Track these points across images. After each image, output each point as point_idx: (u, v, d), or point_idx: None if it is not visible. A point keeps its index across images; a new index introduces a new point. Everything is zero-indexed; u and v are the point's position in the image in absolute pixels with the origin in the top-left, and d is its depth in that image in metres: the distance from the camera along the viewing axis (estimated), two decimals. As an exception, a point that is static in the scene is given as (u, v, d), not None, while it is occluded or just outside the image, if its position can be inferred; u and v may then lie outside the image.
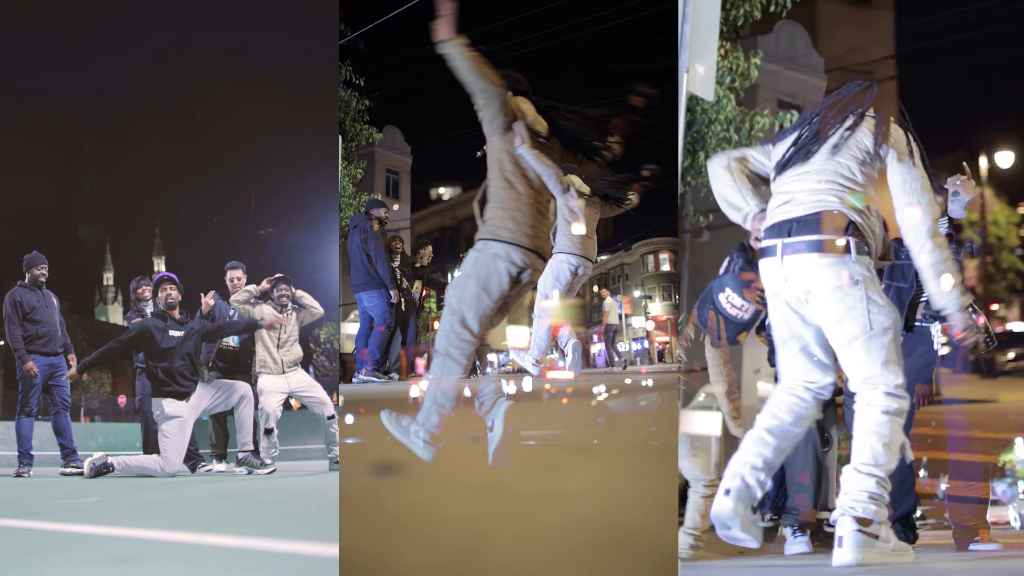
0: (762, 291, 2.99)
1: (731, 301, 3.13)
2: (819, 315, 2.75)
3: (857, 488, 2.62)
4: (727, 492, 2.74)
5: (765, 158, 3.02)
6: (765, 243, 2.84)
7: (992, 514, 3.86)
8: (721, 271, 3.16)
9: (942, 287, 2.76)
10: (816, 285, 2.71)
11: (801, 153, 2.88)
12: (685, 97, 4.12)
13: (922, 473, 3.90)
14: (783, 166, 2.92)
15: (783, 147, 2.98)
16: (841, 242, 2.70)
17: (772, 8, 9.09)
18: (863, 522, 2.58)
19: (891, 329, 2.72)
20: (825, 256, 2.70)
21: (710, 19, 4.26)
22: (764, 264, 2.87)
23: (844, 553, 2.57)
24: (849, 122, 2.85)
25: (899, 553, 2.65)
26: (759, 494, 2.79)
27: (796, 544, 3.78)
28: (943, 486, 3.93)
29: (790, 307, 2.82)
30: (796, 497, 3.79)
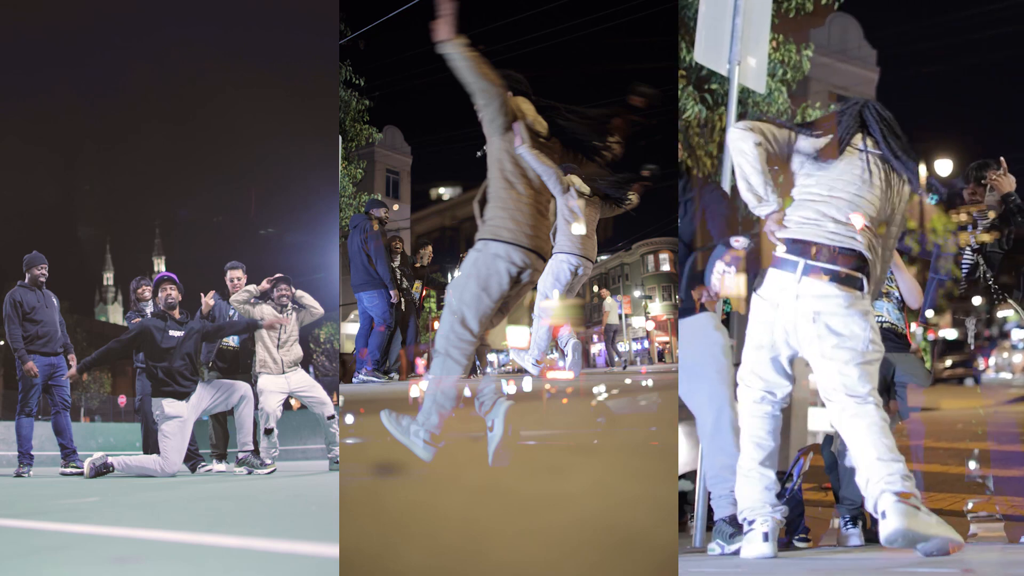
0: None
1: (726, 276, 3.20)
2: (819, 335, 2.90)
3: (887, 471, 2.73)
4: (765, 537, 2.95)
5: (786, 145, 3.10)
6: (784, 255, 2.97)
7: None
8: (737, 246, 3.21)
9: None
10: (827, 309, 2.89)
11: (855, 177, 3.00)
12: (736, 89, 4.11)
13: (972, 466, 3.90)
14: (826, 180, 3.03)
15: (814, 143, 3.05)
16: (858, 279, 2.90)
17: (824, 0, 9.09)
18: (903, 495, 2.67)
19: (879, 360, 2.94)
20: (842, 288, 2.89)
21: (762, 11, 4.26)
22: (776, 275, 2.99)
23: (890, 522, 2.65)
24: (884, 161, 3.02)
25: (945, 529, 2.70)
26: (783, 521, 3.04)
27: (851, 536, 3.84)
28: (992, 479, 3.93)
29: (784, 321, 2.97)
30: (850, 488, 3.83)
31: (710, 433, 3.39)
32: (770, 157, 3.09)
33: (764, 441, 3.05)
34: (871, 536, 3.67)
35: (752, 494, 3.03)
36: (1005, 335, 4.04)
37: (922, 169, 3.27)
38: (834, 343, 2.88)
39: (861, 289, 2.90)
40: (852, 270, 2.90)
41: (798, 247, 2.95)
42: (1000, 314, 3.83)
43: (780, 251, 2.98)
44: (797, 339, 2.96)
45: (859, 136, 3.06)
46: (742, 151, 3.03)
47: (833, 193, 3.00)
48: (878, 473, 2.76)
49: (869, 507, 2.80)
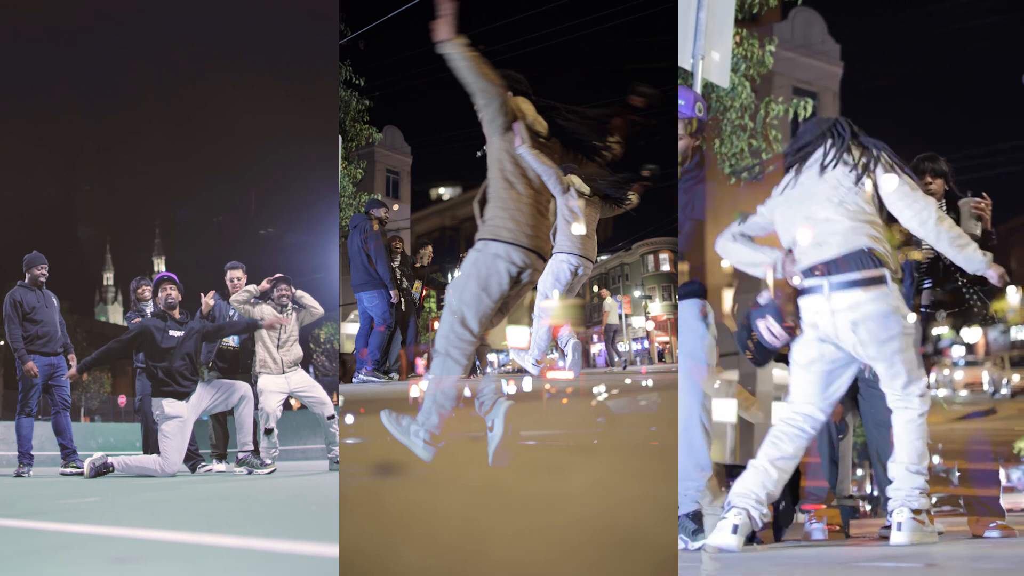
0: (796, 323, 3.30)
1: (771, 329, 3.31)
2: (863, 340, 3.07)
3: (910, 486, 3.12)
4: (735, 529, 3.05)
5: (761, 219, 3.37)
6: (809, 283, 3.13)
7: (1007, 501, 3.91)
8: (762, 302, 3.35)
9: (970, 255, 3.15)
10: (863, 316, 3.05)
11: (806, 201, 3.19)
12: (700, 84, 4.13)
13: (936, 460, 3.96)
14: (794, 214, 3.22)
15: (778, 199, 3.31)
16: (879, 276, 3.04)
17: None
18: (916, 512, 3.10)
19: (918, 339, 3.16)
20: (868, 291, 3.04)
21: (725, 6, 4.27)
22: (808, 301, 3.15)
23: (902, 535, 3.09)
24: (838, 170, 3.16)
25: (935, 533, 3.17)
26: (760, 524, 3.11)
27: (815, 531, 3.92)
28: (956, 474, 4.00)
29: (828, 337, 3.13)
30: (813, 483, 3.90)
31: (682, 429, 3.47)
32: (756, 238, 3.35)
33: (783, 444, 3.16)
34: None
35: (746, 483, 3.12)
36: (940, 352, 4.11)
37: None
38: (875, 346, 3.06)
39: (886, 283, 3.04)
40: (871, 270, 3.04)
41: (817, 270, 3.11)
42: (935, 331, 3.90)
43: (801, 281, 3.15)
44: (850, 345, 3.11)
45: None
46: (725, 251, 3.36)
47: (818, 214, 3.15)
48: (901, 482, 3.12)
49: (890, 507, 3.13)
